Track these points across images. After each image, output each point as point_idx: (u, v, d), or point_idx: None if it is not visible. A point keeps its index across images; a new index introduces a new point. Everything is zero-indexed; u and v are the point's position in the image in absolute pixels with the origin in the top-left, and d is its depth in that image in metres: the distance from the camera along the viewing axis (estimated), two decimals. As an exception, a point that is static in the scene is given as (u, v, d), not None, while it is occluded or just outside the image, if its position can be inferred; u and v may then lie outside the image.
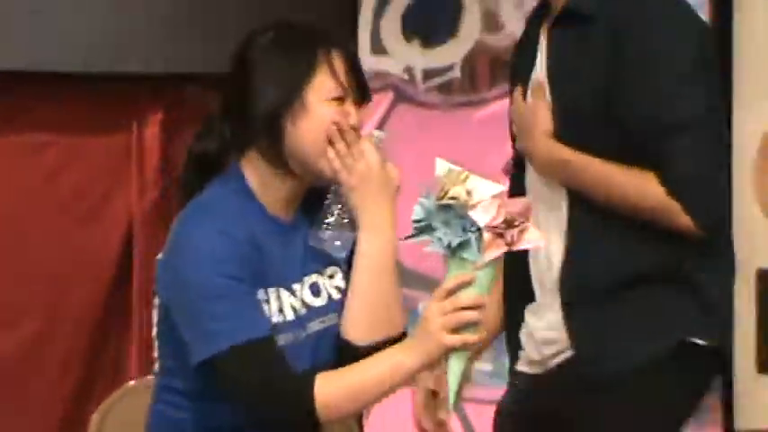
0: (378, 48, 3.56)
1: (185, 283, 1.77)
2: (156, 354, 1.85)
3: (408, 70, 3.59)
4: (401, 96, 3.58)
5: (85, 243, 3.68)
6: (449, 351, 1.70)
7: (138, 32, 3.60)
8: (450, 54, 3.56)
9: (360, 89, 1.79)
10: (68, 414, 3.61)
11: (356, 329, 1.81)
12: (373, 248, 1.74)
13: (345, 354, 1.80)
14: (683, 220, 1.99)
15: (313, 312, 1.82)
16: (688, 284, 2.08)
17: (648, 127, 2.03)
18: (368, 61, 3.42)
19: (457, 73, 3.58)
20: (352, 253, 1.78)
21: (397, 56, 3.58)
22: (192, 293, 1.76)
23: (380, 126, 3.53)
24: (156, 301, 1.82)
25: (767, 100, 3.22)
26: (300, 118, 1.75)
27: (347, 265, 1.81)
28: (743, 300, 2.79)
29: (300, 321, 1.81)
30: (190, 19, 3.62)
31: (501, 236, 1.67)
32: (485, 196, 1.69)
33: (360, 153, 1.74)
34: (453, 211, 1.68)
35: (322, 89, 1.75)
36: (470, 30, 3.54)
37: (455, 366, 1.72)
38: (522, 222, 1.69)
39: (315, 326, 1.81)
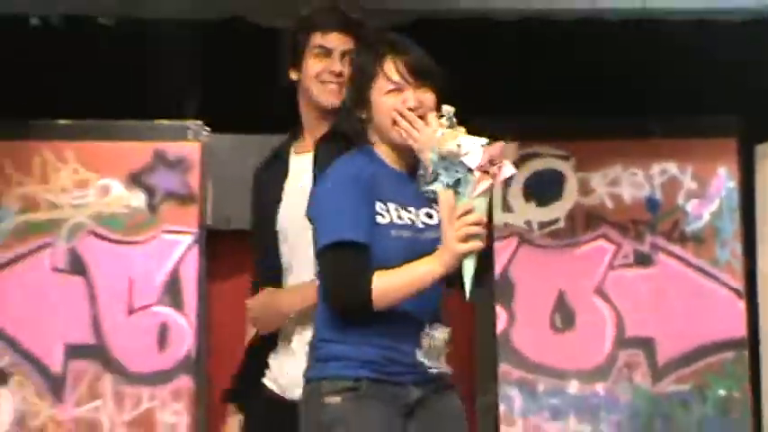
0: (506, 207, 4.73)
1: (318, 196, 2.36)
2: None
3: (528, 222, 4.74)
4: (523, 240, 4.75)
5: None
6: (463, 256, 2.20)
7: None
8: (558, 211, 4.78)
9: (415, 78, 2.35)
10: None
11: None
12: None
13: None
14: None
15: (426, 228, 2.34)
16: None
17: None
18: (498, 216, 4.74)
19: (562, 224, 4.74)
20: None
21: (519, 212, 4.75)
22: (320, 203, 2.33)
23: (509, 263, 4.82)
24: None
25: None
26: (371, 110, 2.38)
27: None
28: None
29: (415, 227, 2.33)
30: None
31: (486, 172, 2.19)
32: (472, 147, 2.20)
33: (420, 126, 2.30)
34: (449, 160, 2.21)
35: (380, 88, 2.36)
36: (571, 193, 4.78)
37: (468, 266, 2.22)
38: (500, 160, 2.21)
39: (430, 235, 2.32)
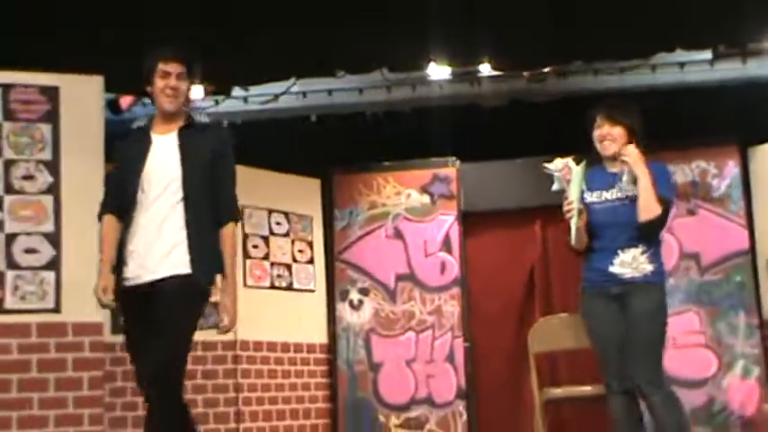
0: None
1: None
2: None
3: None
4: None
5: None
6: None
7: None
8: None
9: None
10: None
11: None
12: None
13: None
14: None
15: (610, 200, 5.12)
16: None
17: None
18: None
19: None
20: None
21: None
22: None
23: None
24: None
25: None
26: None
27: None
28: None
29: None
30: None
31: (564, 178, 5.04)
32: (560, 164, 5.06)
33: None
34: (555, 174, 5.10)
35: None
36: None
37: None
38: (569, 170, 5.01)
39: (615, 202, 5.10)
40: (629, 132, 5.17)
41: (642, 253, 5.10)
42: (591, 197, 5.17)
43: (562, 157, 5.18)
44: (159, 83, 4.48)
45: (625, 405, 5.22)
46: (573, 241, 5.09)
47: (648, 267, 5.11)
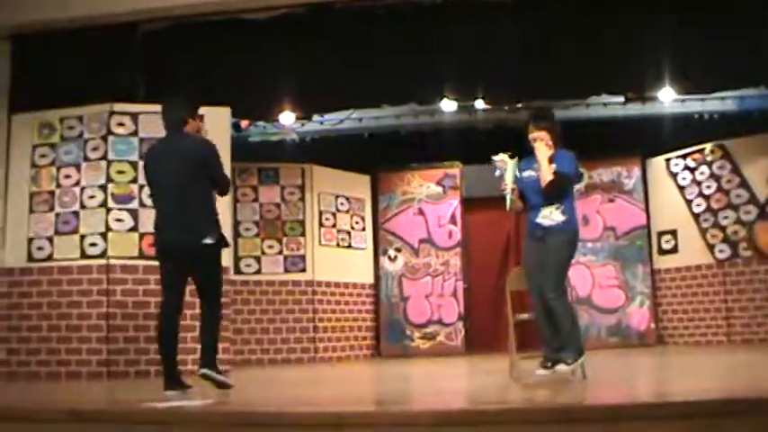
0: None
1: None
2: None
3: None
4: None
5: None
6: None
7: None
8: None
9: None
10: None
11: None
12: None
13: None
14: None
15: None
16: None
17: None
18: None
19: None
20: None
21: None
22: None
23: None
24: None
25: None
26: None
27: None
28: None
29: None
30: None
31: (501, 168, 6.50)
32: (498, 158, 6.44)
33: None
34: (496, 164, 6.52)
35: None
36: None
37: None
38: (504, 162, 6.45)
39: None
40: (551, 133, 6.48)
41: (557, 209, 6.38)
42: (524, 175, 6.48)
43: (504, 153, 6.47)
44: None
45: (542, 308, 6.44)
46: (508, 208, 6.52)
47: (560, 218, 6.38)
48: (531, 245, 6.57)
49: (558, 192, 6.38)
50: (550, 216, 6.38)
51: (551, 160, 6.37)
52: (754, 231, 11.49)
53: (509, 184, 6.36)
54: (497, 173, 6.43)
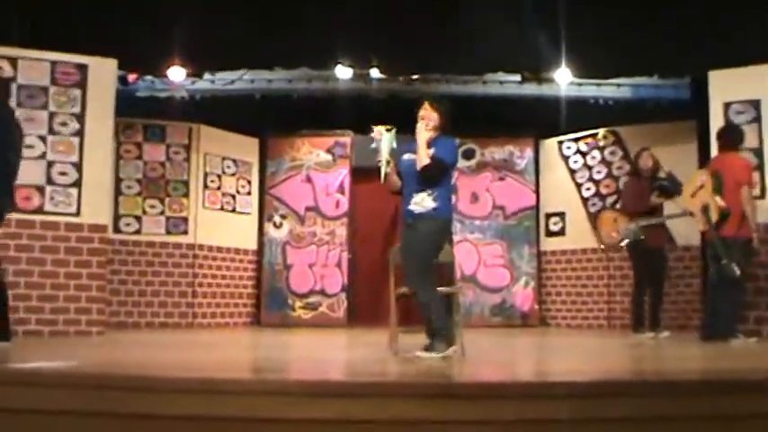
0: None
1: None
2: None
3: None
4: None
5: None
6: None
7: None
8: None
9: None
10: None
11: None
12: None
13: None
14: None
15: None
16: None
17: None
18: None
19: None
20: None
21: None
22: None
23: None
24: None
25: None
26: None
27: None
28: None
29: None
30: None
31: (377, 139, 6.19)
32: (376, 130, 6.15)
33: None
34: (374, 136, 6.21)
35: None
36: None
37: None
38: (380, 134, 6.15)
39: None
40: (440, 116, 6.35)
41: (429, 195, 6.24)
42: (404, 158, 6.33)
43: (383, 125, 6.27)
44: None
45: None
46: (382, 181, 6.30)
47: (431, 204, 6.22)
48: (403, 232, 6.46)
49: (433, 177, 6.27)
50: (422, 203, 6.25)
51: (429, 144, 6.28)
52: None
53: (384, 156, 6.22)
54: (373, 145, 6.33)
